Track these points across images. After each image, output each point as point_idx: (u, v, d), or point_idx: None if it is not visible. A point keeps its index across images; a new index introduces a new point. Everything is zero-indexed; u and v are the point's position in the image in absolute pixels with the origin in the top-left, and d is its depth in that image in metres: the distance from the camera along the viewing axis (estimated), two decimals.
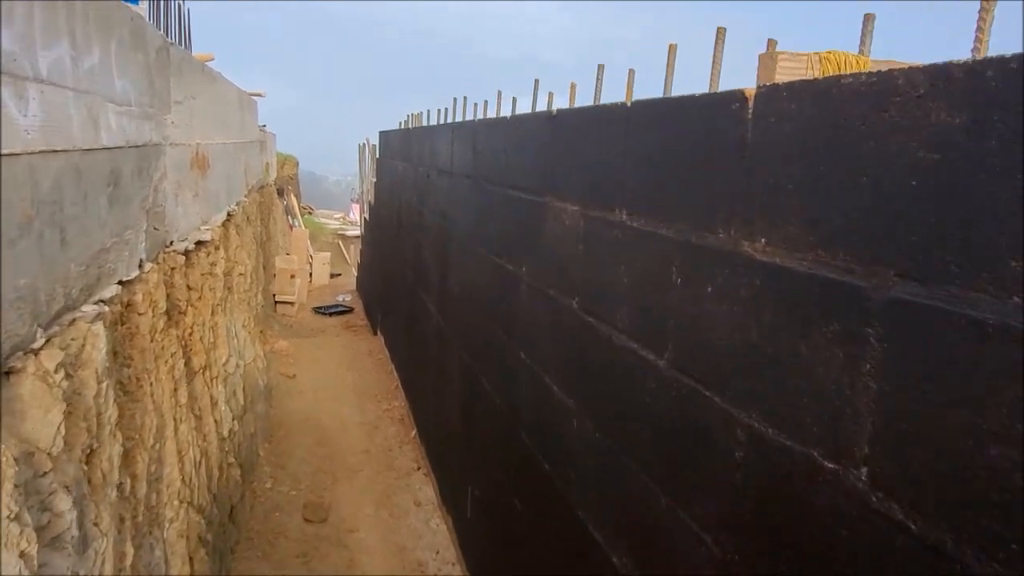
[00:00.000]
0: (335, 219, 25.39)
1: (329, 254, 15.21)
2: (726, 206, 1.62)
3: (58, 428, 1.62)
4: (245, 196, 6.83)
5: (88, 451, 1.90)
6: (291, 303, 11.40)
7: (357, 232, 19.45)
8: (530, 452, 3.08)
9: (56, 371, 1.68)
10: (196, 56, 4.90)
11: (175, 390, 3.13)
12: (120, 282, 2.44)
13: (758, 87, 1.51)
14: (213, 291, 4.16)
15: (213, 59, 5.25)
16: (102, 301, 2.18)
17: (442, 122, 6.00)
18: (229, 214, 5.23)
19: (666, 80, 2.52)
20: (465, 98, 5.74)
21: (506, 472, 3.51)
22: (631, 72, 2.87)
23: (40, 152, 1.66)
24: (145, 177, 2.78)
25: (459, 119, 5.70)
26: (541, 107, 3.96)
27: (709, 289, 1.69)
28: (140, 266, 2.73)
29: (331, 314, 11.81)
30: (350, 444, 6.32)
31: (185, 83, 3.69)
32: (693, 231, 1.76)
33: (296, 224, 15.68)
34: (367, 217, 12.05)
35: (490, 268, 3.76)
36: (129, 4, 2.88)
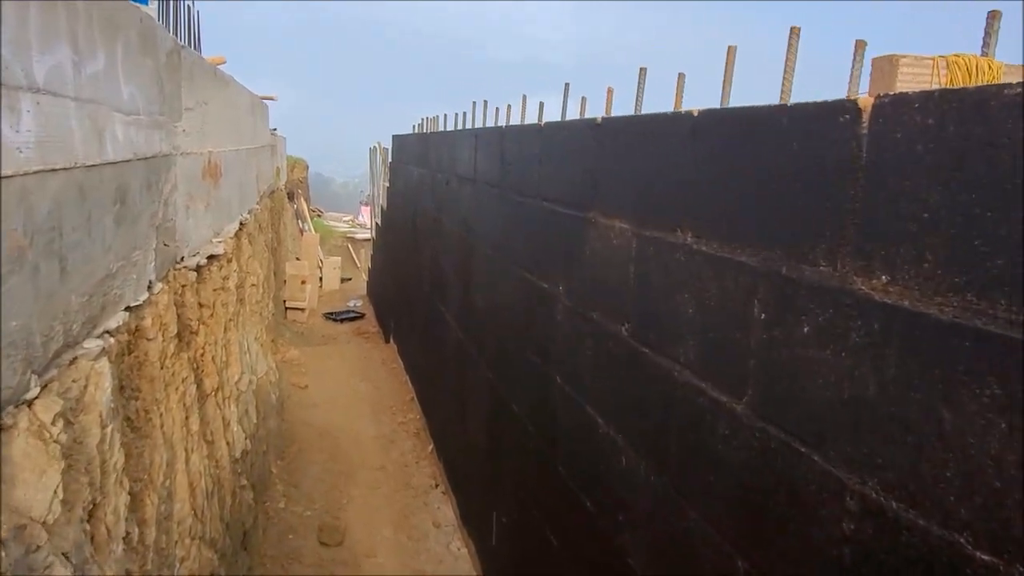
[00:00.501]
0: (344, 222, 25.24)
1: (340, 258, 15.02)
2: (830, 234, 1.39)
3: (55, 491, 1.40)
4: (257, 203, 6.63)
5: (91, 507, 1.68)
6: (302, 309, 11.22)
7: (367, 235, 19.27)
8: (568, 486, 2.85)
9: (54, 423, 1.46)
10: (207, 60, 4.70)
11: (186, 418, 2.92)
12: (127, 308, 2.22)
13: (877, 96, 1.27)
14: (226, 306, 3.95)
15: (225, 62, 5.05)
16: (107, 332, 1.97)
17: (461, 127, 5.78)
18: (241, 223, 5.02)
19: (724, 86, 2.29)
20: (486, 102, 5.51)
21: (539, 502, 3.28)
22: (681, 76, 2.64)
23: (36, 172, 1.44)
24: (155, 191, 2.57)
25: (479, 124, 5.47)
26: (572, 112, 3.72)
27: (805, 330, 1.46)
28: (149, 287, 2.52)
29: (342, 320, 11.62)
30: (365, 460, 6.11)
31: (197, 88, 3.48)
32: (784, 260, 1.53)
33: (307, 228, 15.51)
34: (379, 222, 11.85)
35: (520, 284, 3.53)
36: (138, 4, 2.67)
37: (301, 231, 15.14)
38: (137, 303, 2.31)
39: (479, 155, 4.48)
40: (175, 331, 2.78)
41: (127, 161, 2.16)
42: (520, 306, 3.56)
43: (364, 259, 17.54)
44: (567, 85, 4.00)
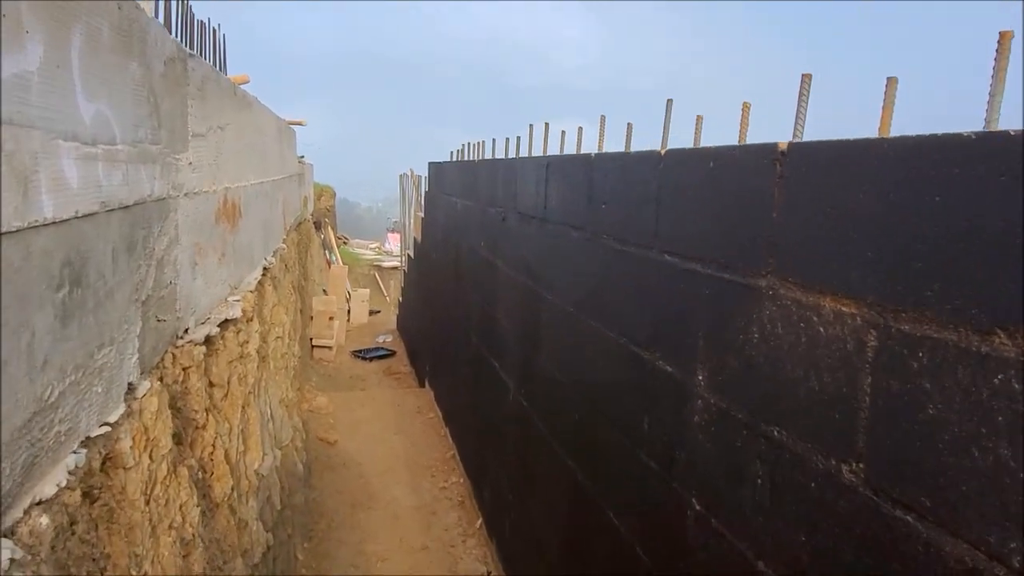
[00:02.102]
0: (371, 249, 24.71)
1: (368, 291, 14.32)
2: None
3: None
4: (283, 240, 5.91)
5: None
6: (329, 347, 10.50)
7: (395, 263, 18.62)
8: None
9: None
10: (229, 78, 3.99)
11: (186, 556, 2.13)
12: (86, 439, 1.45)
13: None
14: (244, 380, 3.17)
15: (248, 81, 4.34)
16: (40, 504, 1.19)
17: (515, 154, 5.01)
18: (265, 269, 4.28)
19: (996, 78, 1.47)
20: (547, 125, 4.73)
21: None
22: (892, 82, 1.83)
23: None
24: (140, 251, 1.80)
25: (538, 151, 4.68)
26: (678, 141, 2.90)
27: None
28: (129, 392, 1.74)
29: (371, 359, 10.87)
30: (404, 538, 5.27)
31: (210, 110, 2.75)
32: None
33: (334, 260, 14.85)
34: (411, 254, 11.12)
35: (621, 358, 2.71)
36: None
37: (328, 263, 14.49)
38: (104, 427, 1.53)
39: (551, 188, 3.70)
40: (170, 443, 1.99)
41: (88, 216, 1.40)
42: (622, 386, 2.74)
43: (393, 289, 16.86)
44: (670, 101, 3.19)
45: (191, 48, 4.59)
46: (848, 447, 1.50)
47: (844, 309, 1.51)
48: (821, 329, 1.58)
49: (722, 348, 2.01)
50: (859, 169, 1.49)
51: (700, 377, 2.13)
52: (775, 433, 1.75)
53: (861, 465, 1.47)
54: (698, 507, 2.13)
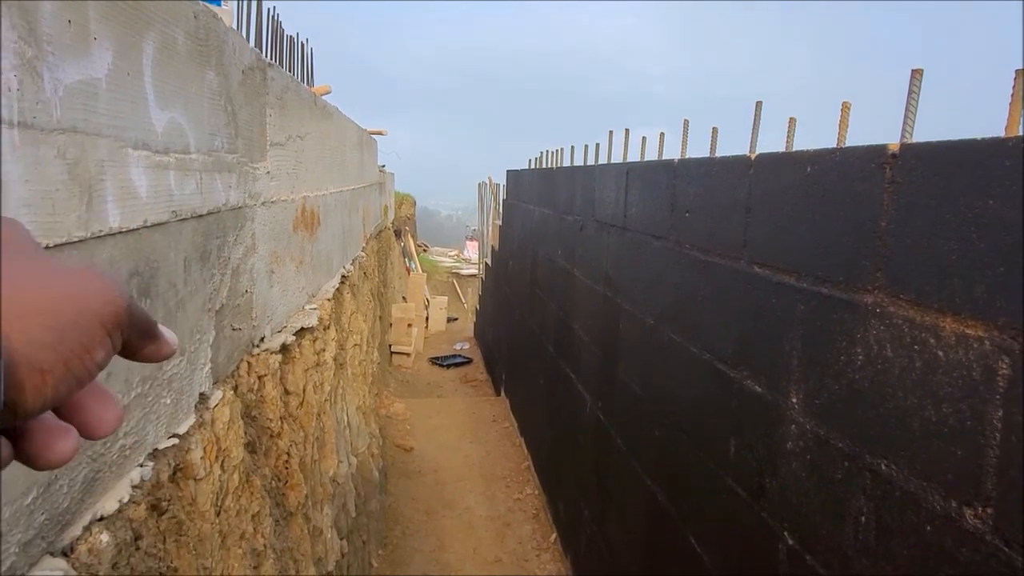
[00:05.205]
0: (449, 256, 25.03)
1: (446, 298, 14.44)
2: None
3: None
4: (363, 249, 5.98)
5: None
6: (407, 354, 10.61)
7: (473, 271, 18.76)
8: None
9: None
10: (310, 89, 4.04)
11: (257, 567, 2.11)
12: (154, 452, 1.43)
13: None
14: (320, 387, 3.18)
15: (330, 91, 4.40)
16: (103, 519, 1.16)
17: (594, 161, 4.89)
18: (344, 276, 4.31)
19: None
20: (627, 131, 4.59)
21: None
22: None
23: None
24: (213, 261, 1.79)
25: (618, 157, 4.55)
26: (765, 148, 2.72)
27: None
28: (200, 402, 1.73)
29: (449, 366, 10.94)
30: (477, 548, 5.21)
31: (290, 120, 2.76)
32: None
33: (413, 267, 15.06)
34: (488, 262, 11.13)
35: (704, 375, 2.55)
36: (209, 3, 1.94)
37: (408, 269, 14.70)
38: (172, 439, 1.52)
39: (631, 196, 3.56)
40: (242, 453, 1.98)
41: (158, 225, 1.38)
42: (705, 405, 2.58)
43: (471, 297, 16.98)
44: (759, 103, 3.01)
45: (282, 62, 4.70)
46: (973, 488, 1.32)
47: (968, 332, 1.33)
48: (940, 353, 1.40)
49: (819, 370, 1.83)
50: (989, 172, 1.31)
51: (794, 400, 1.96)
52: (883, 467, 1.57)
53: (989, 510, 1.28)
54: (791, 542, 1.96)
